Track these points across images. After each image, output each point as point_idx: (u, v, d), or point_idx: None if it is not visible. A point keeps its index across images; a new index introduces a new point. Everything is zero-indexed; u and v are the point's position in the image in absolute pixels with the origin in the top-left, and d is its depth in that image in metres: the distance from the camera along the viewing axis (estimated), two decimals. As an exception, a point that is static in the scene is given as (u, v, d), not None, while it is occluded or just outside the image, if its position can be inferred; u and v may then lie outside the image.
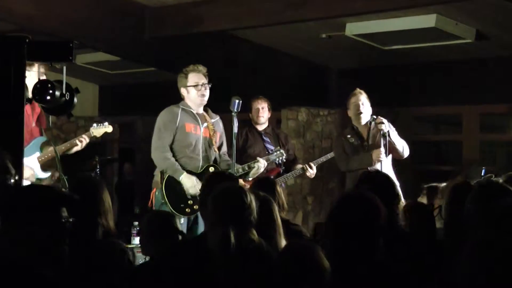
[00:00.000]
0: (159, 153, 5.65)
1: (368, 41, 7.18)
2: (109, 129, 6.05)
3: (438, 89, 8.12)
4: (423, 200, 5.30)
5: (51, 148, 5.60)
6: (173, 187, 5.61)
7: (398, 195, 3.84)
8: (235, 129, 5.62)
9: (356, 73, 8.51)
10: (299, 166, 6.74)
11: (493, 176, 5.61)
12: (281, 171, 6.67)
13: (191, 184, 5.57)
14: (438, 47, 7.27)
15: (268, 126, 6.89)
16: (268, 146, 6.75)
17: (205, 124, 5.75)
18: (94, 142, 9.12)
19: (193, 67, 5.77)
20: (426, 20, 6.45)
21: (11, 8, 6.12)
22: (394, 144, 6.23)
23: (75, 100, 4.09)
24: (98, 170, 7.53)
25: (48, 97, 3.98)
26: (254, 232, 3.31)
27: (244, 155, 6.64)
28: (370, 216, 2.94)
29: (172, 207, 5.58)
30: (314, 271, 2.63)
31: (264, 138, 6.79)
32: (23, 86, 3.89)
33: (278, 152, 6.21)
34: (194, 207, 5.57)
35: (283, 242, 3.46)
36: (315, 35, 7.32)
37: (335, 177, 8.34)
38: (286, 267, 2.74)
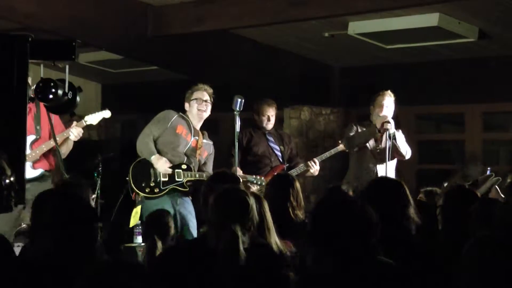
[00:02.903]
0: (143, 138, 5.93)
1: (371, 40, 7.18)
2: (107, 114, 6.07)
3: (440, 88, 8.11)
4: None
5: (42, 146, 5.62)
6: (141, 167, 5.90)
7: (407, 196, 3.78)
8: (238, 128, 5.66)
9: (359, 72, 8.51)
10: (301, 164, 6.77)
11: (493, 176, 5.61)
12: (285, 168, 6.72)
13: (161, 162, 5.82)
14: (440, 46, 7.27)
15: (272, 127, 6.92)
16: (273, 145, 6.79)
17: (196, 137, 6.02)
18: (97, 141, 9.14)
19: (201, 86, 6.07)
20: (429, 19, 6.45)
21: (14, 7, 6.12)
22: (398, 147, 6.28)
23: (78, 99, 4.09)
24: (100, 169, 7.54)
25: (51, 96, 3.97)
26: (255, 232, 3.32)
27: (249, 155, 6.67)
28: (356, 219, 2.91)
29: (133, 183, 5.85)
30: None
31: (268, 137, 6.83)
32: (26, 85, 3.88)
33: (258, 178, 6.24)
34: (155, 189, 5.85)
35: (274, 239, 3.45)
36: (317, 34, 7.32)
37: (338, 176, 8.33)
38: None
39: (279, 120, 8.45)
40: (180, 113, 6.03)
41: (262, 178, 6.24)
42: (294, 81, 8.32)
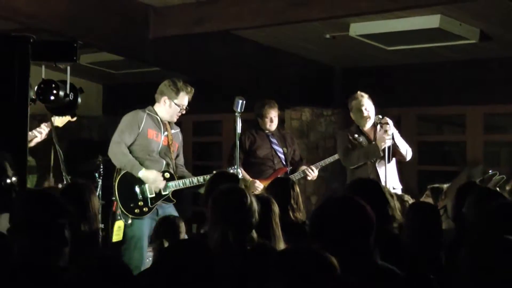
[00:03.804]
0: (119, 148, 5.66)
1: (372, 41, 7.18)
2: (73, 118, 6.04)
3: (441, 89, 8.11)
4: (427, 201, 5.29)
5: None
6: (126, 186, 5.65)
7: (387, 201, 3.80)
8: (239, 130, 5.64)
9: (360, 73, 8.51)
10: (303, 167, 6.76)
11: (497, 174, 5.61)
12: (288, 171, 6.71)
13: (153, 177, 5.62)
14: (442, 47, 7.27)
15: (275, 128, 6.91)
16: (276, 147, 6.78)
17: (166, 133, 5.80)
18: (98, 142, 9.13)
19: (188, 88, 5.81)
20: (430, 21, 6.44)
21: (15, 7, 6.12)
22: (398, 147, 6.25)
23: (79, 100, 4.10)
24: (101, 170, 7.53)
25: (52, 97, 3.98)
26: (254, 233, 3.32)
27: (252, 157, 6.66)
28: (356, 218, 2.91)
29: (122, 205, 5.63)
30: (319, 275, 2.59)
31: (271, 139, 6.81)
32: (27, 86, 3.89)
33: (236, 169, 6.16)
34: (144, 209, 5.63)
35: (281, 244, 3.47)
36: (319, 35, 7.32)
37: (339, 177, 8.34)
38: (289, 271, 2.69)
39: (280, 122, 8.46)
40: (147, 111, 5.79)
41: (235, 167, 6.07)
42: (295, 82, 8.32)
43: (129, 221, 5.59)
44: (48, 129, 5.72)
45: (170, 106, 5.79)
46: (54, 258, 2.80)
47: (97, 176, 7.49)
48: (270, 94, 6.98)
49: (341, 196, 3.31)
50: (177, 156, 5.94)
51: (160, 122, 5.80)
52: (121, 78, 9.89)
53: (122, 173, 5.68)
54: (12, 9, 6.13)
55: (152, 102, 5.92)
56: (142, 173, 5.61)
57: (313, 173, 6.69)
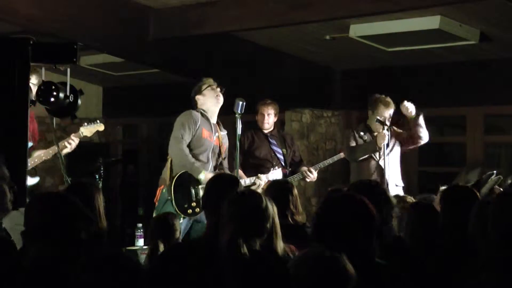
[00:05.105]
0: (181, 146, 5.72)
1: (372, 42, 7.18)
2: (101, 127, 6.08)
3: (442, 90, 8.11)
4: None
5: (37, 154, 5.61)
6: (182, 187, 5.71)
7: (389, 200, 3.80)
8: (239, 131, 5.64)
9: (360, 74, 8.50)
10: (304, 168, 6.75)
11: (494, 175, 5.60)
12: (287, 172, 6.69)
13: None
14: (442, 48, 7.27)
15: (273, 128, 6.89)
16: (275, 148, 6.77)
17: (217, 134, 5.90)
18: (98, 144, 9.12)
19: (205, 78, 5.93)
20: (430, 22, 6.45)
21: (15, 9, 6.12)
22: (421, 128, 6.52)
23: (79, 101, 4.10)
24: (101, 172, 7.53)
25: (52, 99, 3.98)
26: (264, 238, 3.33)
27: (251, 157, 6.66)
28: (358, 215, 2.92)
29: (176, 205, 5.67)
30: (338, 280, 2.59)
31: (270, 140, 6.80)
32: (27, 88, 3.89)
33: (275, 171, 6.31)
34: (196, 210, 5.68)
35: (280, 244, 3.47)
36: (319, 36, 7.32)
37: (339, 179, 8.33)
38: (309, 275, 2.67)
39: (280, 123, 8.46)
40: (201, 112, 5.87)
41: (253, 179, 6.21)
42: (295, 84, 8.32)
43: (180, 220, 5.57)
44: (78, 139, 5.76)
45: (205, 95, 5.87)
46: (71, 260, 2.80)
47: (97, 178, 7.49)
48: (270, 96, 6.98)
49: (342, 195, 3.30)
50: (224, 158, 6.02)
51: (211, 123, 5.89)
52: (121, 80, 9.89)
53: (179, 173, 5.72)
54: (12, 11, 6.13)
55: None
56: (202, 176, 5.67)
57: (312, 175, 6.68)
